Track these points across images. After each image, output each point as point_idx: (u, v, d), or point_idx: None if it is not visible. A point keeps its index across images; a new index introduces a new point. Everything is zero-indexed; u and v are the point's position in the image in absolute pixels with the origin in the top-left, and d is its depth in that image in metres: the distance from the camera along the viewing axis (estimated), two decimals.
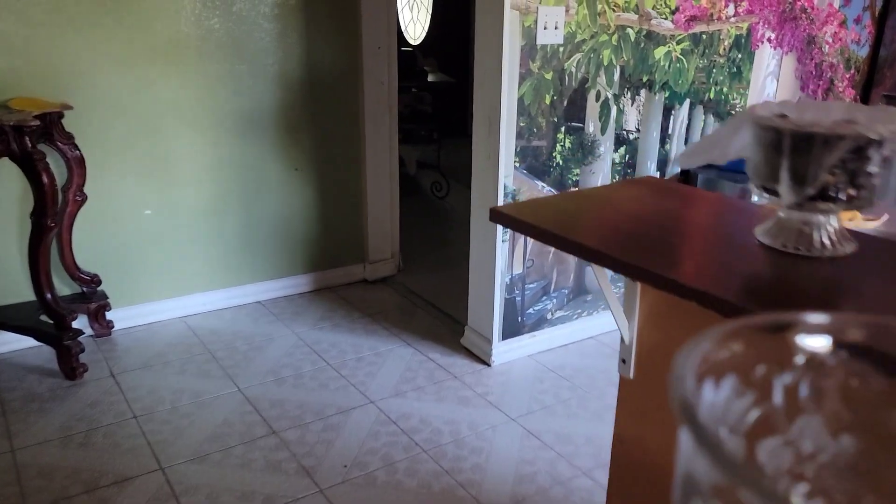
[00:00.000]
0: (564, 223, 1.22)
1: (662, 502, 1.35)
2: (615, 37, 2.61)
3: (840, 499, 0.31)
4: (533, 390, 2.58)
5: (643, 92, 2.76)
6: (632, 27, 2.64)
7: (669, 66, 2.79)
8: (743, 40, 2.96)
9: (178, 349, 2.84)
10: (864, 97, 3.52)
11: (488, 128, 2.51)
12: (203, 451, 2.20)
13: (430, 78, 5.12)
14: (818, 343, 0.37)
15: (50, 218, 2.43)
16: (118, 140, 2.78)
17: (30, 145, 2.36)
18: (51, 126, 2.51)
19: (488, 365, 2.74)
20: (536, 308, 2.78)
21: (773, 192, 1.09)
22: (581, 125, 2.65)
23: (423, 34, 6.48)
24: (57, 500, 1.98)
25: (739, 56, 2.97)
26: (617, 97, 2.70)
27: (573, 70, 2.56)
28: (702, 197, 1.42)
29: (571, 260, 2.81)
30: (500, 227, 2.57)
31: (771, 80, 3.13)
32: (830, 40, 3.24)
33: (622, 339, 1.30)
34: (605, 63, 2.62)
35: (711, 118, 3.00)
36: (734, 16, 2.89)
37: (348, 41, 3.17)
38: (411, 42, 6.23)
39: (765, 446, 0.33)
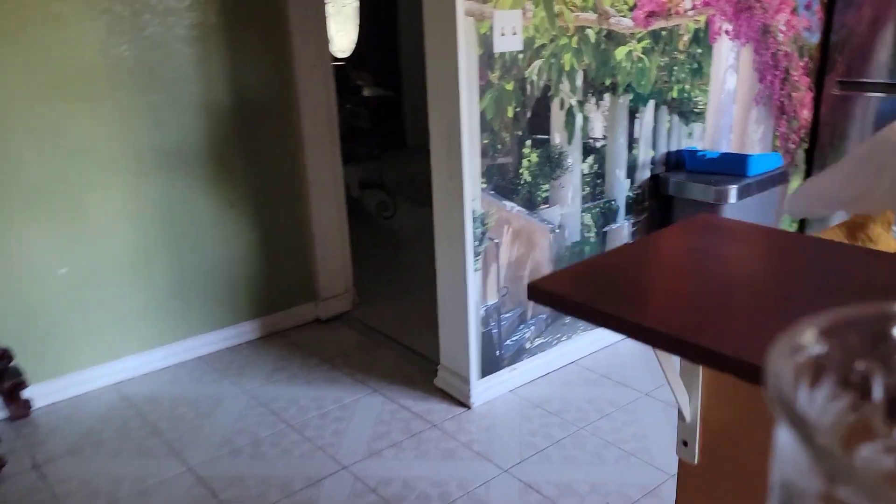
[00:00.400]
0: (626, 296, 0.97)
1: None
2: (575, 39, 2.40)
3: None
4: (522, 432, 2.33)
5: (607, 96, 2.57)
6: (591, 27, 2.44)
7: (632, 67, 2.61)
8: (701, 34, 2.80)
9: (112, 424, 2.47)
10: (818, 84, 3.43)
11: (448, 148, 2.26)
12: None
13: (366, 93, 4.83)
14: None
15: None
16: (21, 192, 2.40)
17: None
18: None
19: (468, 407, 2.48)
20: (514, 338, 2.55)
21: None
22: (546, 137, 2.43)
23: (351, 46, 6.18)
24: None
25: (699, 51, 2.82)
26: (581, 104, 2.50)
27: (534, 78, 2.34)
28: (786, 240, 1.16)
29: None
30: (470, 255, 2.32)
31: (731, 74, 2.99)
32: (784, 28, 3.14)
33: (681, 416, 1.06)
34: (567, 68, 2.41)
35: (676, 118, 2.83)
36: (692, 9, 2.73)
37: (278, 60, 2.87)
38: (339, 55, 5.93)
39: (862, 452, 0.31)
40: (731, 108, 3.05)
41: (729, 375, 0.86)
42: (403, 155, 6.25)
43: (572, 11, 2.37)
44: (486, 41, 2.18)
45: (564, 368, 2.71)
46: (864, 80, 3.28)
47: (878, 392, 0.33)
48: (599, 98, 2.54)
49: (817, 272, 1.03)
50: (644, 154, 2.76)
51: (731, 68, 2.98)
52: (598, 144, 2.60)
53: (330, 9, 5.50)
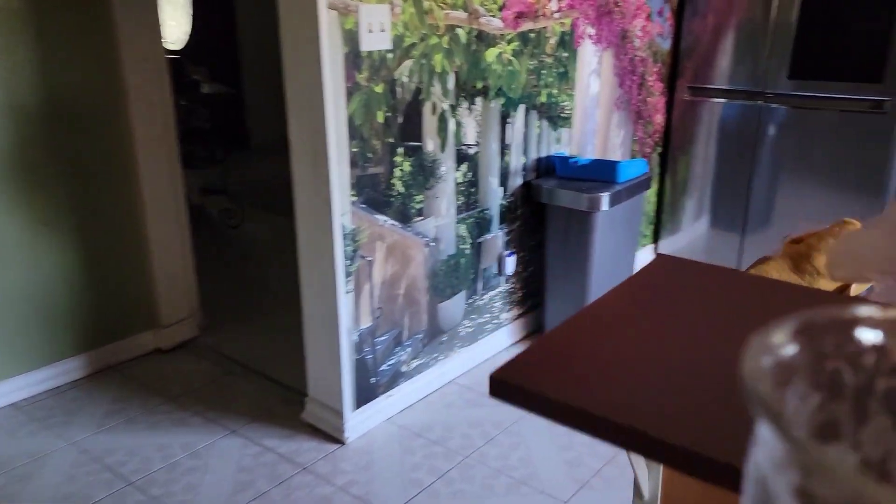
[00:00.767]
0: (604, 390, 0.79)
1: None
2: (446, 39, 2.23)
3: None
4: (404, 468, 2.14)
5: (479, 100, 2.43)
6: (462, 27, 2.28)
7: (502, 70, 2.48)
8: (567, 38, 2.75)
9: None
10: (670, 90, 3.53)
11: (313, 158, 2.00)
12: None
13: (205, 89, 4.39)
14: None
15: None
16: None
17: None
18: None
19: (342, 443, 2.24)
20: (390, 363, 2.34)
21: None
22: (419, 144, 2.24)
23: (185, 38, 5.64)
24: None
25: (565, 55, 2.76)
26: (454, 108, 2.33)
27: (405, 80, 2.14)
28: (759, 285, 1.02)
29: (422, 299, 2.40)
30: (341, 275, 2.08)
31: (594, 78, 2.97)
32: (640, 34, 3.17)
33: (638, 492, 0.91)
34: (438, 70, 2.24)
35: (545, 123, 2.76)
36: (558, 11, 2.66)
37: (103, 55, 2.45)
38: (171, 47, 5.38)
39: (831, 450, 0.32)
40: (595, 113, 3.04)
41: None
42: (247, 156, 5.81)
43: (442, 9, 2.19)
44: (352, 38, 1.95)
45: (443, 389, 2.54)
46: (709, 85, 3.41)
47: (846, 392, 0.33)
48: (472, 102, 2.40)
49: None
50: (516, 160, 2.66)
51: (594, 73, 2.96)
52: (472, 151, 2.45)
53: None
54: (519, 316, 2.89)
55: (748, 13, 3.21)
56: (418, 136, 2.23)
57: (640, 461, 0.90)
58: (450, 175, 2.39)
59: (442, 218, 2.40)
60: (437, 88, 2.25)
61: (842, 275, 0.79)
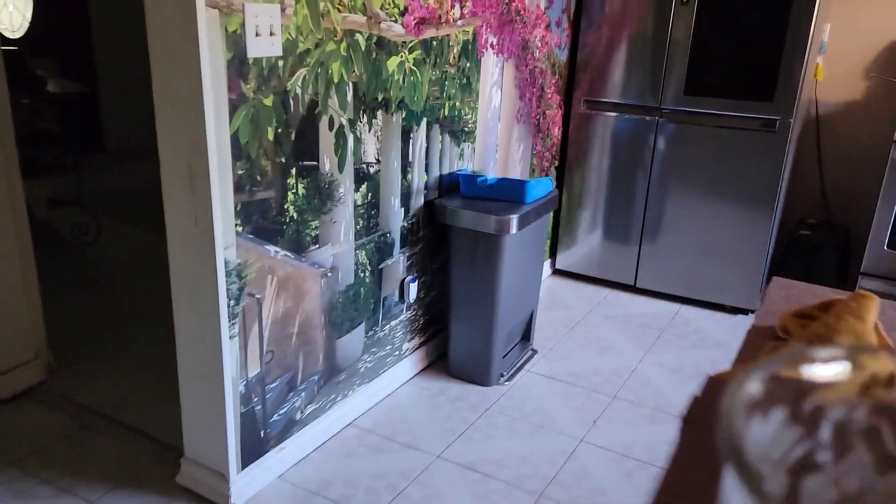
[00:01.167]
0: None
1: None
2: (344, 45, 1.98)
3: None
4: None
5: (380, 114, 2.19)
6: (361, 32, 2.03)
7: (404, 81, 2.26)
8: (470, 46, 2.57)
9: None
10: (567, 102, 3.45)
11: (190, 182, 1.69)
12: None
13: (51, 87, 3.83)
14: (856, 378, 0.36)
15: None
16: None
17: None
18: None
19: None
20: (282, 411, 2.06)
21: None
22: (315, 163, 1.97)
23: (25, 25, 4.95)
24: None
25: (468, 65, 2.58)
26: (353, 122, 2.08)
27: (298, 91, 1.86)
28: None
29: (319, 337, 2.14)
30: (224, 318, 1.78)
31: (496, 91, 2.81)
32: (540, 45, 3.05)
33: None
34: (336, 80, 1.98)
35: (448, 138, 2.56)
36: (460, 18, 2.47)
37: None
38: (9, 36, 4.70)
39: (809, 484, 0.32)
40: (497, 127, 2.88)
41: None
42: (103, 161, 5.21)
43: (339, 11, 1.94)
44: (236, 43, 1.66)
45: (342, 434, 2.28)
46: (605, 99, 3.36)
47: (825, 428, 0.34)
48: (372, 116, 2.16)
49: None
50: (418, 179, 2.45)
51: (496, 84, 2.80)
52: (372, 170, 2.21)
53: None
54: (421, 344, 2.68)
55: (640, 27, 3.18)
56: (314, 155, 1.96)
57: None
58: (348, 197, 2.13)
59: (340, 245, 2.14)
60: (334, 101, 1.99)
61: None
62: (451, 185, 2.62)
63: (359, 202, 2.18)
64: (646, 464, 2.17)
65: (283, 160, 1.86)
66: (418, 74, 2.32)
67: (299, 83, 1.86)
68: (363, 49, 2.06)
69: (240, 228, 1.77)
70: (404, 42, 2.23)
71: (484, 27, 2.62)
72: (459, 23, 2.48)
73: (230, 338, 1.82)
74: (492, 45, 2.70)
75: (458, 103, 2.57)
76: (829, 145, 3.67)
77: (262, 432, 2.00)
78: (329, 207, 2.06)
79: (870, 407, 0.34)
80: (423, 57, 2.33)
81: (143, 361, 2.66)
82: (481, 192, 2.51)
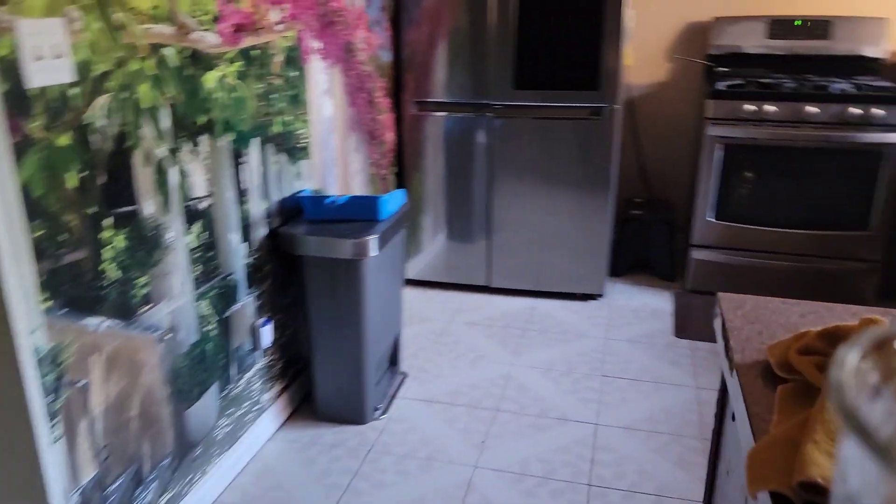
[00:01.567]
0: None
1: None
2: (151, 62, 1.64)
3: None
4: None
5: (204, 139, 1.87)
6: (171, 46, 1.70)
7: (227, 98, 1.95)
8: (294, 53, 2.30)
9: None
10: (397, 105, 3.28)
11: None
12: None
13: None
14: None
15: None
16: None
17: None
18: None
19: None
20: None
21: None
22: (134, 207, 1.62)
23: None
24: None
25: (294, 73, 2.31)
26: (174, 153, 1.75)
27: (102, 123, 1.51)
28: None
29: (164, 412, 1.78)
30: (42, 420, 1.40)
31: (326, 99, 2.57)
32: (364, 46, 2.85)
33: None
34: (147, 105, 1.64)
35: (284, 158, 2.29)
36: (280, 23, 2.20)
37: None
38: None
39: None
40: (332, 139, 2.64)
41: None
42: None
43: (141, 22, 1.60)
44: (11, 70, 1.28)
45: None
46: (434, 99, 3.24)
47: None
48: (195, 143, 1.83)
49: None
50: (257, 207, 2.15)
51: (326, 93, 2.55)
52: (203, 205, 1.88)
53: None
54: (283, 390, 2.38)
55: (459, 22, 3.09)
56: (131, 198, 1.61)
57: None
58: (180, 241, 1.80)
59: (176, 299, 1.80)
60: (148, 130, 1.65)
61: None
62: (293, 210, 2.35)
63: (193, 245, 1.85)
64: (545, 479, 2.08)
65: (92, 210, 1.50)
66: (242, 89, 2.02)
67: (102, 113, 1.50)
68: (175, 65, 1.73)
69: (47, 305, 1.39)
70: (221, 54, 1.92)
71: (306, 31, 2.37)
72: (279, 27, 2.20)
73: (52, 442, 1.43)
74: (317, 51, 2.45)
75: (288, 117, 2.30)
76: (643, 126, 3.85)
77: None
78: (158, 258, 1.72)
79: None
80: (245, 69, 2.03)
81: None
82: (330, 213, 2.27)
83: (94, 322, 1.53)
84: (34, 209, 1.35)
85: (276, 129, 2.23)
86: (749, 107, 3.08)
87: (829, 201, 3.12)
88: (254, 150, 2.11)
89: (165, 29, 1.69)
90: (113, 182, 1.55)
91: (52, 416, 1.43)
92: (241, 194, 2.06)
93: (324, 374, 2.34)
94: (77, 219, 1.46)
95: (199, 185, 1.86)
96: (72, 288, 1.46)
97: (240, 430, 2.14)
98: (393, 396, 2.52)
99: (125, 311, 1.62)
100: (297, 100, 2.35)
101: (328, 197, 2.26)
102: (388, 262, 2.38)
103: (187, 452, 1.89)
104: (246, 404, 2.17)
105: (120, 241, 1.59)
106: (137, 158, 1.63)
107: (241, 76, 2.02)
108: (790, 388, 0.71)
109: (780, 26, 3.44)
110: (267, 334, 2.22)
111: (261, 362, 2.23)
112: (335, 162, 2.68)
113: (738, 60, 3.50)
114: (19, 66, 1.30)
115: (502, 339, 2.94)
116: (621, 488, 2.02)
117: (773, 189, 3.18)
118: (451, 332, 3.01)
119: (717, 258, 3.32)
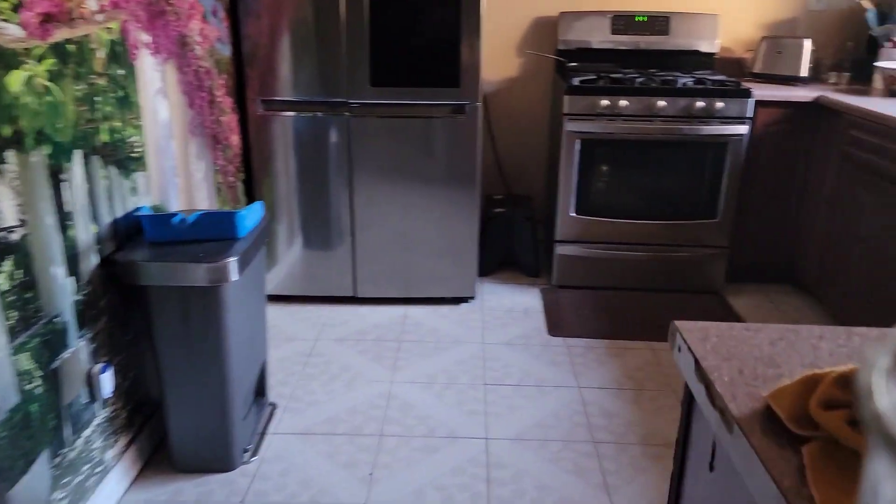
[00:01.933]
0: None
1: None
2: None
3: None
4: None
5: (11, 154, 1.50)
6: None
7: (39, 103, 1.60)
8: (119, 48, 1.96)
9: None
10: (241, 104, 2.96)
11: None
12: None
13: None
14: None
15: None
16: None
17: None
18: None
19: None
20: None
21: None
22: None
23: None
24: None
25: (121, 72, 1.97)
26: None
27: None
28: None
29: None
30: None
31: (161, 101, 2.23)
32: (200, 39, 2.52)
33: None
34: None
35: (115, 171, 1.93)
36: (100, 12, 1.85)
37: None
38: None
39: None
40: (171, 146, 2.30)
41: None
42: None
43: None
44: None
45: None
46: (283, 98, 2.96)
47: None
48: (0, 160, 1.47)
49: None
50: (85, 232, 1.79)
51: (160, 93, 2.21)
52: (15, 236, 1.52)
53: None
54: (130, 443, 2.04)
55: (305, 14, 2.84)
56: None
57: None
58: None
59: None
60: None
61: None
62: (131, 231, 2.01)
63: (5, 286, 1.49)
64: None
65: None
66: (57, 92, 1.67)
67: None
68: None
69: None
70: (28, 49, 1.56)
71: (132, 22, 2.02)
72: (99, 17, 1.85)
73: None
74: (146, 45, 2.11)
75: (117, 123, 1.95)
76: (496, 122, 3.81)
77: None
78: None
79: None
80: (60, 67, 1.68)
81: None
82: (178, 234, 1.96)
83: None
84: None
85: (104, 137, 1.88)
86: (604, 101, 3.11)
87: (680, 192, 3.24)
88: (77, 165, 1.75)
89: None
90: None
91: None
92: (64, 219, 1.70)
93: (179, 418, 2.02)
94: None
95: (6, 213, 1.49)
96: None
97: (80, 500, 1.79)
98: (263, 433, 2.25)
99: None
100: (126, 102, 2.00)
101: (175, 214, 1.94)
102: (251, 284, 2.11)
103: None
104: (85, 468, 1.81)
105: None
106: None
107: (56, 76, 1.66)
108: (817, 449, 0.60)
109: (624, 22, 3.52)
110: (107, 381, 1.87)
111: (101, 415, 1.88)
112: (176, 172, 2.35)
113: (586, 55, 3.55)
114: None
115: (376, 353, 2.75)
116: None
117: (629, 182, 3.25)
118: (321, 351, 2.77)
119: (580, 252, 3.34)
